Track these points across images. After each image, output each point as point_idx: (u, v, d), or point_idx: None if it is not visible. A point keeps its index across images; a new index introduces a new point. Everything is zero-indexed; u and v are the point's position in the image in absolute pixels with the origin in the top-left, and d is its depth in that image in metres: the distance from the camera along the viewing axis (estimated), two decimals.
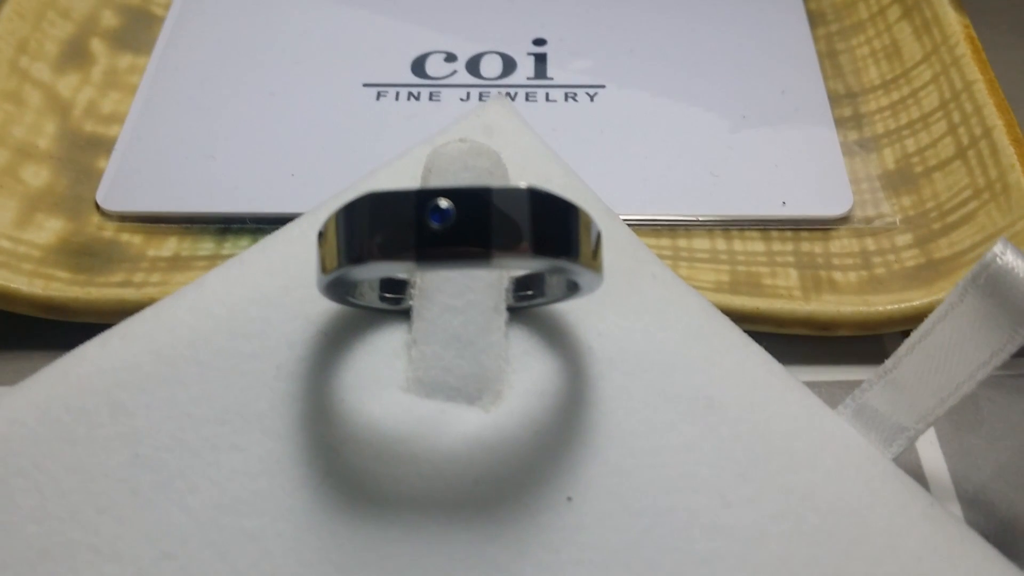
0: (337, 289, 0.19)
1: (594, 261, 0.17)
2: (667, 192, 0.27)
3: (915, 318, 0.23)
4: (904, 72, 0.29)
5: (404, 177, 0.23)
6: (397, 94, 0.29)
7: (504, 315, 0.20)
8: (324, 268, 0.17)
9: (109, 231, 0.26)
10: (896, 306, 0.24)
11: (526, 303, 0.21)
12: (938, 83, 0.28)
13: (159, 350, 0.20)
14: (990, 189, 0.25)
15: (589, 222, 0.17)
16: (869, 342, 0.25)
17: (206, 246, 0.26)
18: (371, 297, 0.20)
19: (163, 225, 0.26)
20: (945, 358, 0.20)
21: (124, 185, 0.26)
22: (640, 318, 0.21)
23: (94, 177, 0.27)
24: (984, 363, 0.20)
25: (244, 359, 0.20)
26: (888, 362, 0.21)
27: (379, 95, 0.29)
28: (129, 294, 0.24)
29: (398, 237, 0.16)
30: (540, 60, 0.30)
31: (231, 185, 0.26)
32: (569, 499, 0.19)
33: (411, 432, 0.19)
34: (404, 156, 0.23)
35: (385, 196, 0.16)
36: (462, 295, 0.20)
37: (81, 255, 0.25)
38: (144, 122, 0.28)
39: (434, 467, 0.19)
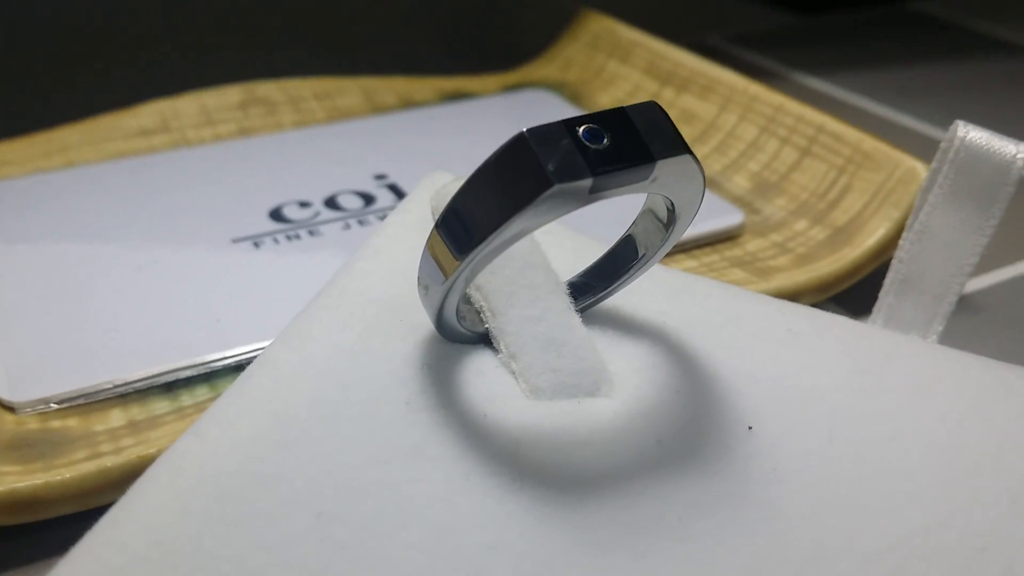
0: (452, 298, 0.17)
1: None
2: None
3: (858, 269, 0.26)
4: (708, 126, 0.33)
5: (407, 231, 0.22)
6: (276, 238, 0.27)
7: (577, 313, 0.20)
8: (446, 268, 0.16)
9: (33, 423, 0.21)
10: (839, 264, 0.26)
11: (584, 302, 0.20)
12: (747, 118, 0.32)
13: (274, 420, 0.17)
14: (853, 162, 0.28)
15: None
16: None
17: (160, 405, 0.22)
18: (472, 321, 0.19)
19: (95, 402, 0.22)
20: (945, 240, 0.22)
21: (25, 376, 0.22)
22: (683, 295, 0.22)
23: None
24: (981, 228, 0.22)
25: (364, 404, 0.17)
26: (890, 274, 0.23)
27: (256, 244, 0.27)
28: (110, 461, 0.20)
29: (569, 160, 0.16)
30: (394, 188, 0.30)
31: (154, 346, 0.23)
32: (750, 428, 0.18)
33: (567, 425, 0.18)
34: (391, 217, 0.22)
35: (538, 130, 0.16)
36: (534, 304, 0.20)
37: (20, 448, 0.20)
38: (11, 321, 0.24)
39: (611, 443, 0.18)
